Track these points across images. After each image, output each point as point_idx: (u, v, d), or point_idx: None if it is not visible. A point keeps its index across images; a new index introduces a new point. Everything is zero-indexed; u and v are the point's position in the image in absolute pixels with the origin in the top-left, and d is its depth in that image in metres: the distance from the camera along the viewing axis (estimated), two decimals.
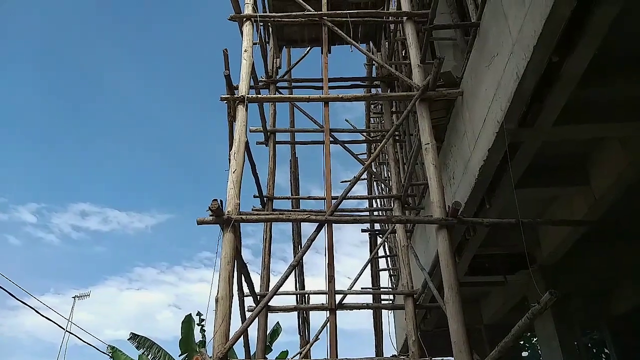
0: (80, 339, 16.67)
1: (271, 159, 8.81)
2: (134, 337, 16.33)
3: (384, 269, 13.10)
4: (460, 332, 4.64)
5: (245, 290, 6.98)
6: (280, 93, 9.62)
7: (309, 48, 9.58)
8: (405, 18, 6.85)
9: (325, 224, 5.33)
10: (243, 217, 5.21)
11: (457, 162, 6.56)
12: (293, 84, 9.87)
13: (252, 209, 8.57)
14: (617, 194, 6.75)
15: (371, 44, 11.18)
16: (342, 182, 14.50)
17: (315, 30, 9.07)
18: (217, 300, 4.78)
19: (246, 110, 6.06)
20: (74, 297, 20.78)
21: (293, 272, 11.20)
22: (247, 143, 6.39)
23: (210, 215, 5.22)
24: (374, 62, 11.54)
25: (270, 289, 7.61)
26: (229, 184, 5.48)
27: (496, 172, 5.92)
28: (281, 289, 8.60)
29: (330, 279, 5.30)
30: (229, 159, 5.76)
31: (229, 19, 7.02)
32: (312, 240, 5.24)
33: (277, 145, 9.11)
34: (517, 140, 5.45)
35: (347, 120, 11.57)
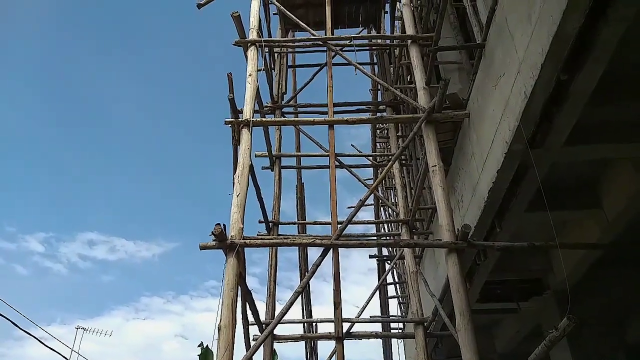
0: None
1: (276, 184, 8.73)
2: None
3: (392, 297, 12.84)
4: None
5: (250, 318, 6.80)
6: (286, 118, 9.61)
7: (315, 71, 9.57)
8: (409, 41, 6.84)
9: (332, 249, 5.19)
10: (247, 241, 5.09)
11: (465, 185, 6.43)
12: (298, 109, 9.87)
13: (257, 235, 8.44)
14: (630, 217, 6.57)
15: (376, 67, 11.23)
16: (349, 207, 14.39)
17: (319, 13, 9.07)
18: (219, 329, 4.62)
19: (250, 133, 6.01)
20: (76, 328, 20.52)
21: (300, 300, 10.99)
22: (251, 167, 6.32)
23: (213, 240, 5.10)
24: (379, 87, 11.57)
25: (275, 317, 7.44)
26: (233, 208, 5.38)
27: (505, 195, 5.79)
28: (288, 318, 8.43)
29: (337, 305, 5.13)
30: (233, 183, 5.67)
31: (233, 44, 7.04)
32: (317, 265, 5.09)
33: (282, 170, 9.05)
34: (526, 162, 5.34)
35: (352, 146, 11.50)
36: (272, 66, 10.04)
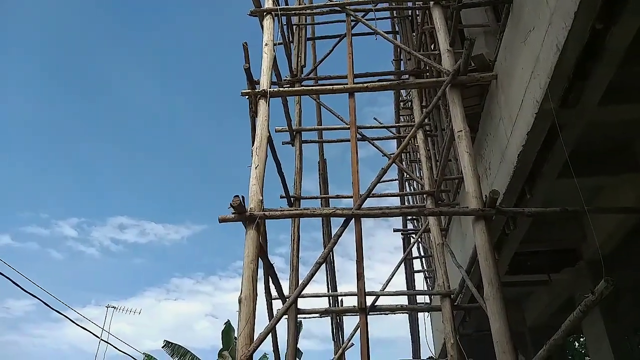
0: (117, 348, 16.82)
1: (297, 158, 8.58)
2: (167, 344, 16.34)
3: (418, 271, 12.66)
4: (502, 331, 4.25)
5: (274, 293, 6.74)
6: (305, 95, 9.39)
7: (335, 42, 9.29)
8: (432, 3, 6.51)
9: (353, 219, 5.03)
10: (266, 213, 4.97)
11: (493, 151, 6.16)
12: (319, 82, 9.63)
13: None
14: None
15: (398, 37, 10.86)
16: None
17: None
18: (240, 301, 4.55)
19: (268, 105, 5.85)
20: (107, 307, 21.06)
21: (325, 276, 10.92)
22: (270, 139, 6.18)
23: (233, 213, 5.00)
24: (401, 57, 11.22)
25: (298, 287, 7.36)
26: (251, 180, 5.26)
27: (536, 160, 5.50)
28: (312, 291, 8.39)
29: (360, 276, 4.99)
30: (252, 155, 5.54)
31: (249, 14, 6.84)
32: (339, 235, 4.94)
33: (304, 148, 8.88)
34: (558, 123, 5.04)
35: (375, 119, 11.21)
36: (291, 39, 9.80)
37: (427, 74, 9.67)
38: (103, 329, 17.48)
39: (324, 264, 5.90)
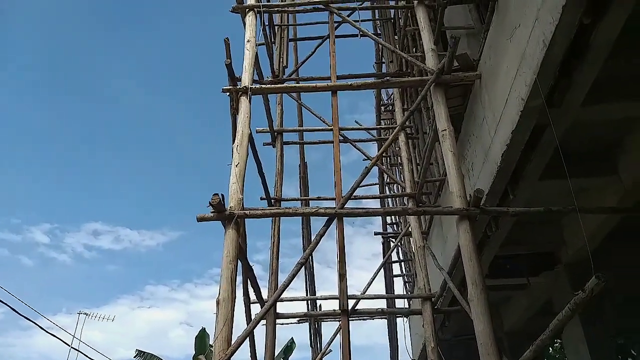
0: (88, 357, 16.25)
1: (278, 159, 8.43)
2: (140, 353, 15.89)
3: (397, 275, 12.58)
4: (487, 333, 4.17)
5: (252, 297, 6.55)
6: (289, 94, 9.27)
7: (317, 44, 9.20)
8: (416, 2, 6.46)
9: (336, 218, 4.89)
10: (246, 212, 4.80)
11: (476, 151, 6.11)
12: (300, 82, 9.50)
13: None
14: None
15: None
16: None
17: None
18: (218, 303, 4.36)
19: (249, 102, 5.69)
20: (79, 313, 20.40)
21: (304, 281, 10.76)
22: (251, 137, 6.01)
23: (212, 212, 4.82)
24: (383, 60, 11.19)
25: (277, 289, 7.18)
26: (232, 178, 5.09)
27: (520, 160, 5.47)
28: (291, 295, 8.21)
29: (342, 277, 4.85)
30: (232, 153, 5.37)
31: (231, 11, 6.69)
32: (321, 235, 4.80)
33: (284, 148, 8.74)
34: (542, 122, 5.01)
35: (356, 122, 11.15)
36: (273, 40, 9.67)
37: (409, 76, 9.68)
38: (74, 337, 16.91)
39: (302, 269, 5.73)
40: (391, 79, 6.74)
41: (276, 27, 9.73)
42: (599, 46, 4.11)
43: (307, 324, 10.76)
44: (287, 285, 4.58)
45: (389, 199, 12.31)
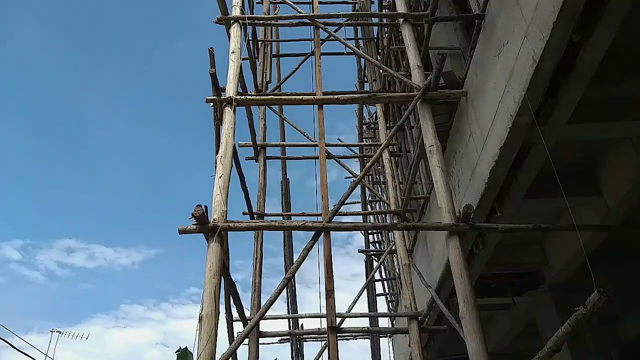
0: None
1: (261, 174, 8.31)
2: None
3: (380, 294, 12.44)
4: (480, 352, 4.07)
5: (235, 315, 6.35)
6: (271, 108, 9.21)
7: (300, 60, 9.19)
8: (401, 20, 6.50)
9: (323, 233, 4.78)
10: (230, 224, 4.65)
11: (462, 169, 6.10)
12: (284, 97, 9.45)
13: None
14: (631, 203, 6.33)
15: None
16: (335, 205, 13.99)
17: None
18: (200, 319, 4.17)
19: (234, 112, 5.59)
20: (51, 331, 19.63)
21: (286, 298, 10.54)
22: (235, 150, 5.90)
23: (194, 224, 4.66)
24: (365, 80, 11.25)
25: (262, 306, 6.98)
26: (215, 189, 4.94)
27: (506, 179, 5.47)
28: (274, 314, 8.00)
29: (330, 293, 4.72)
30: (216, 165, 5.24)
31: (215, 22, 6.63)
32: (308, 249, 4.68)
33: (267, 164, 8.63)
34: (529, 141, 5.03)
35: (339, 139, 11.12)
36: (256, 55, 9.64)
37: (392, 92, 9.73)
38: (47, 355, 16.22)
39: (284, 288, 5.56)
40: (378, 94, 6.72)
41: (259, 43, 9.72)
42: (586, 65, 4.16)
43: (289, 344, 10.53)
44: (273, 302, 4.43)
45: (372, 217, 12.28)
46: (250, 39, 8.88)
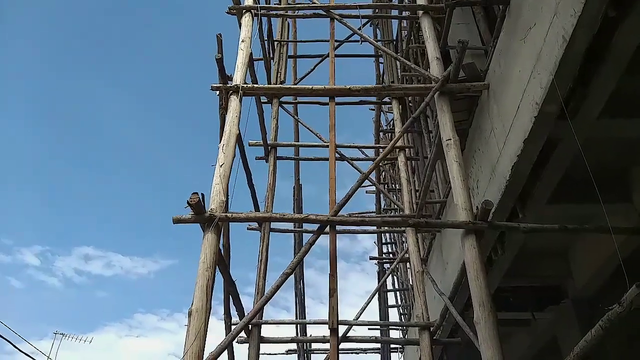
0: None
1: (271, 174, 7.99)
2: None
3: (393, 305, 11.96)
4: None
5: (235, 318, 6.02)
6: (284, 108, 8.95)
7: (317, 61, 8.94)
8: (421, 12, 6.19)
9: (328, 226, 4.43)
10: (229, 215, 4.34)
11: (481, 167, 5.71)
12: (298, 98, 9.20)
13: (248, 228, 7.69)
14: None
15: (381, 64, 10.61)
16: (351, 214, 13.61)
17: None
18: (190, 314, 3.85)
19: (240, 101, 5.32)
20: (55, 333, 19.36)
21: (294, 308, 10.15)
22: (241, 141, 5.63)
23: (190, 214, 4.35)
24: (384, 81, 10.93)
25: (265, 319, 6.62)
26: (215, 178, 4.65)
27: (529, 179, 5.06)
28: (279, 318, 7.66)
29: (332, 292, 4.35)
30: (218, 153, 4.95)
31: (227, 12, 6.41)
32: (311, 243, 4.33)
33: (281, 176, 8.35)
34: (555, 137, 4.63)
35: (353, 144, 10.78)
36: (271, 55, 9.43)
37: (409, 99, 9.40)
38: (49, 357, 16.01)
39: (293, 296, 5.22)
40: (393, 85, 6.40)
41: (275, 43, 9.52)
42: (622, 48, 3.78)
43: (295, 356, 10.12)
44: (271, 297, 4.08)
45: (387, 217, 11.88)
46: (266, 38, 8.70)
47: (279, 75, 9.33)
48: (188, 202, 4.22)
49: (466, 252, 4.21)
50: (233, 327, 5.90)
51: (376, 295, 9.81)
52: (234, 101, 5.24)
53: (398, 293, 12.13)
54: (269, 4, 7.96)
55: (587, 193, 6.23)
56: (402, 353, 12.11)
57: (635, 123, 4.91)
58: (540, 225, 4.61)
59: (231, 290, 5.43)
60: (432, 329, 6.32)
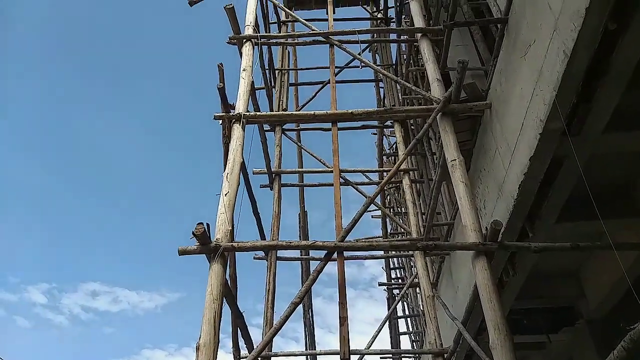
0: None
1: (276, 202, 7.95)
2: None
3: (404, 333, 11.72)
4: None
5: (243, 351, 5.88)
6: (287, 136, 8.97)
7: (319, 88, 9.01)
8: (419, 35, 6.24)
9: (335, 253, 4.35)
10: (235, 245, 4.27)
11: (488, 187, 5.65)
12: (301, 124, 9.24)
13: (254, 258, 7.61)
14: None
15: (381, 89, 10.67)
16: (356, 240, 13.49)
17: None
18: (197, 348, 3.74)
19: (243, 129, 5.31)
20: None
21: (303, 337, 9.93)
22: (245, 169, 5.59)
23: (196, 245, 4.29)
24: (383, 105, 10.98)
25: (275, 350, 6.48)
26: (220, 208, 4.60)
27: (536, 198, 4.99)
28: (288, 349, 7.47)
29: (343, 321, 4.24)
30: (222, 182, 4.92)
31: (227, 42, 6.47)
32: (318, 271, 4.24)
33: (286, 204, 8.30)
34: (561, 154, 4.58)
35: (358, 170, 10.77)
36: (273, 84, 9.51)
37: (411, 122, 9.41)
38: None
39: (302, 326, 5.11)
40: (394, 108, 6.40)
41: (276, 72, 9.61)
42: (624, 61, 3.77)
43: None
44: (280, 328, 3.98)
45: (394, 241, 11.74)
46: (267, 67, 8.78)
47: (281, 102, 9.38)
48: (193, 233, 4.17)
49: (477, 274, 4.12)
50: None
51: (387, 323, 9.62)
52: (237, 130, 5.24)
53: (409, 319, 11.90)
54: (269, 32, 8.07)
55: (596, 210, 6.17)
56: None
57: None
58: (552, 244, 4.51)
59: (239, 322, 5.31)
60: (445, 355, 6.15)
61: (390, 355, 9.50)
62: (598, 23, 3.34)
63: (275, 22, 9.40)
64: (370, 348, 6.71)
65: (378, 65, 10.55)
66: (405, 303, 11.68)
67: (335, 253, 4.49)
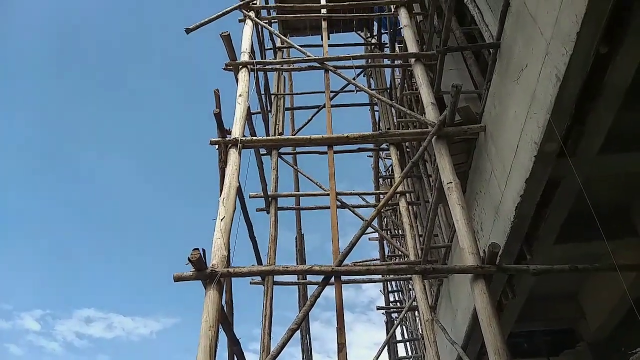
0: None
1: (272, 225, 7.90)
2: None
3: (403, 357, 11.55)
4: None
5: None
6: (284, 159, 8.99)
7: (314, 112, 9.08)
8: (413, 60, 6.32)
9: (333, 277, 4.32)
10: (231, 270, 4.23)
11: (484, 210, 5.64)
12: (297, 148, 9.27)
13: (251, 283, 7.55)
14: None
15: (376, 112, 10.77)
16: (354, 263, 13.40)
17: (315, 19, 9.11)
18: None
19: (239, 154, 5.32)
20: None
21: (300, 357, 9.79)
22: (241, 194, 5.58)
23: (192, 271, 4.25)
24: (379, 129, 11.06)
25: None
26: (216, 233, 4.57)
27: (533, 219, 4.99)
28: None
29: (341, 347, 4.17)
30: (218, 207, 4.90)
31: (224, 69, 6.53)
32: (316, 296, 4.19)
33: (279, 216, 8.27)
34: (557, 176, 4.60)
35: (353, 192, 10.77)
36: (269, 108, 9.58)
37: (407, 145, 9.46)
38: None
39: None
40: (390, 131, 6.44)
41: (272, 97, 9.69)
42: (616, 83, 3.82)
43: None
44: (277, 355, 3.91)
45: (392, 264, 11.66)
46: (262, 92, 8.86)
47: (277, 127, 9.42)
48: (189, 259, 4.13)
49: (477, 298, 4.08)
50: None
51: (385, 347, 9.49)
52: (233, 154, 5.25)
53: (408, 344, 11.75)
54: (265, 58, 8.16)
55: (594, 231, 6.15)
56: None
57: (636, 157, 4.90)
58: (550, 267, 4.50)
59: (235, 349, 5.21)
60: None
61: None
62: (589, 47, 3.40)
63: (271, 48, 9.51)
64: None
65: (373, 90, 10.66)
66: (404, 327, 11.56)
67: (333, 277, 4.45)
